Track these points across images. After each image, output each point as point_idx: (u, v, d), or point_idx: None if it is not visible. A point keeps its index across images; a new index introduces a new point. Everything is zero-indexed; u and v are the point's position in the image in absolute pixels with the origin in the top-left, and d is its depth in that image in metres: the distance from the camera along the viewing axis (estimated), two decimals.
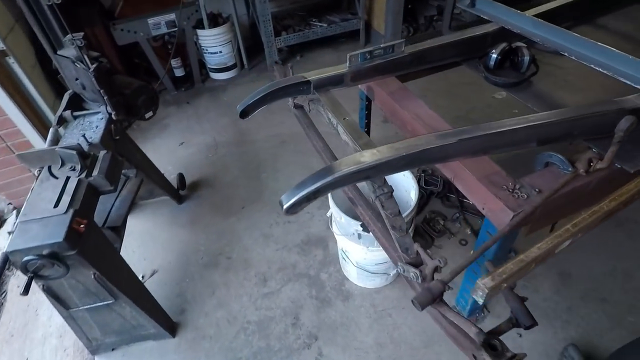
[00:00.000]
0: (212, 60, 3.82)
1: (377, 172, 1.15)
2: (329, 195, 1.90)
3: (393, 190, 1.21)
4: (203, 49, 3.73)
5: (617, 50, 1.44)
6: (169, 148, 3.16)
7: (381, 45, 1.67)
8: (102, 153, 1.69)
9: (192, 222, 2.55)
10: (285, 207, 1.08)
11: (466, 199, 2.49)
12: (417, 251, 1.11)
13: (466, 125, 1.24)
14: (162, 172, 2.47)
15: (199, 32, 3.58)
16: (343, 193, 1.61)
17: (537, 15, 1.77)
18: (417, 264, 1.13)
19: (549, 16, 1.78)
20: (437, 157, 1.28)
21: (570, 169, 1.35)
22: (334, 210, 1.83)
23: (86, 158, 1.66)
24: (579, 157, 1.37)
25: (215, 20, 3.65)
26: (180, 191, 2.70)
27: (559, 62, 1.80)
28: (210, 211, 2.61)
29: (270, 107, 3.53)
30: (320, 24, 3.99)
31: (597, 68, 1.51)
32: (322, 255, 2.28)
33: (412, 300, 0.99)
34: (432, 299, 0.98)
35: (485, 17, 2.03)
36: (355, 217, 1.67)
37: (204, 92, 3.79)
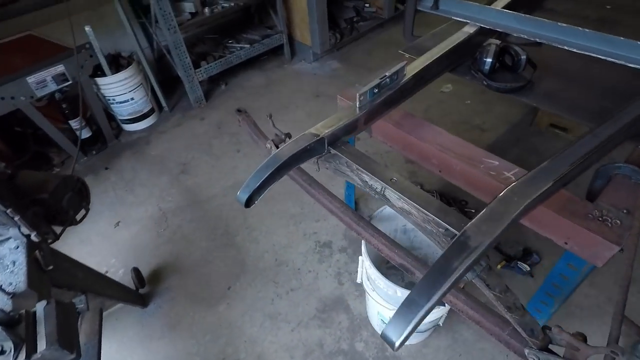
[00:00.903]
0: (122, 111, 3.13)
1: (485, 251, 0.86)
2: (366, 260, 1.57)
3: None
4: (109, 100, 3.03)
5: (621, 38, 1.39)
6: (102, 235, 2.47)
7: (386, 74, 1.37)
8: (40, 307, 1.12)
9: (170, 327, 1.98)
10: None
11: (468, 208, 2.35)
12: (545, 330, 0.86)
13: None
14: (105, 270, 1.86)
15: (99, 80, 2.89)
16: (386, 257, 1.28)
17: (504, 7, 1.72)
18: (566, 354, 0.86)
19: (513, 6, 1.73)
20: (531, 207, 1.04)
21: None
22: (375, 277, 1.49)
23: (15, 325, 1.09)
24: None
25: (116, 63, 2.99)
26: (140, 290, 2.09)
27: (546, 54, 1.69)
28: (188, 305, 2.06)
29: (212, 150, 3.03)
30: (239, 45, 3.54)
31: (603, 57, 1.44)
32: (347, 320, 1.93)
33: None
34: None
35: (454, 18, 1.87)
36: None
37: (123, 151, 3.09)
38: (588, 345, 0.80)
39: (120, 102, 3.06)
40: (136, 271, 2.10)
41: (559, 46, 1.56)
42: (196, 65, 3.21)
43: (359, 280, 1.64)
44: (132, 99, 3.08)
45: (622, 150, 1.35)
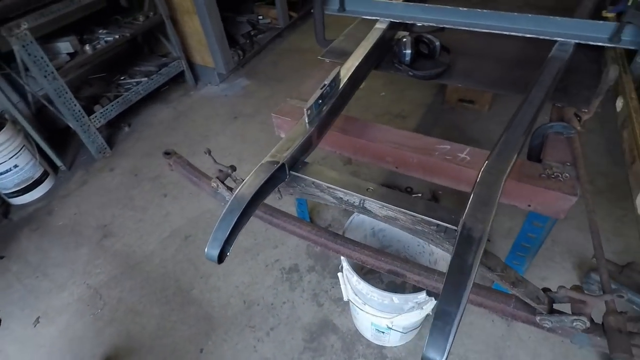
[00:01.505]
0: (7, 183, 2.60)
1: None
2: (350, 277, 1.48)
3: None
4: None
5: (512, 13, 1.58)
6: (20, 340, 2.00)
7: (325, 82, 1.32)
8: None
9: None
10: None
11: (415, 193, 2.41)
12: (548, 293, 0.89)
13: None
14: None
15: None
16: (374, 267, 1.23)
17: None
18: (574, 310, 0.89)
19: None
20: None
21: (573, 131, 1.34)
22: (367, 291, 1.42)
23: None
24: (569, 118, 1.38)
25: None
26: None
27: (450, 38, 1.81)
28: None
29: (134, 202, 2.73)
30: (134, 80, 3.20)
31: (499, 32, 1.61)
32: (338, 341, 1.83)
33: (613, 357, 0.77)
34: (629, 341, 0.78)
35: (364, 17, 1.92)
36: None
37: (19, 230, 2.56)
38: (593, 296, 0.82)
39: (1, 174, 2.54)
40: None
41: (463, 28, 1.68)
42: (89, 112, 2.80)
43: (345, 299, 1.56)
44: (16, 166, 2.58)
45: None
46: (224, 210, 1.03)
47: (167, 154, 1.47)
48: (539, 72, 1.47)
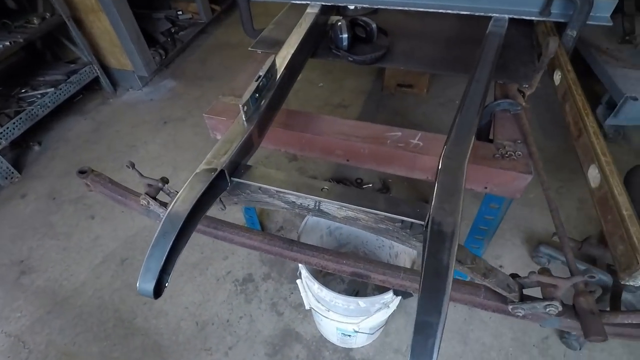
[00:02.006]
0: None
1: None
2: (308, 283, 1.37)
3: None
4: None
5: None
6: None
7: (260, 74, 1.19)
8: None
9: None
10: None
11: (365, 183, 2.36)
12: (517, 279, 0.87)
13: None
14: None
15: None
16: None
17: None
18: (545, 294, 0.87)
19: None
20: None
21: (519, 108, 1.34)
22: (331, 297, 1.32)
23: None
24: (513, 94, 1.38)
25: None
26: None
27: (384, 19, 1.76)
28: None
29: (56, 229, 2.45)
30: (38, 92, 2.79)
31: (433, 10, 1.59)
32: (303, 350, 1.73)
33: (589, 340, 0.76)
34: (601, 321, 0.78)
35: (292, 1, 1.81)
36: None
37: None
38: (563, 279, 0.79)
39: None
40: None
41: (398, 8, 1.63)
42: None
43: (307, 307, 1.45)
44: None
45: None
46: (156, 234, 0.86)
47: (81, 172, 1.24)
48: (479, 50, 1.46)
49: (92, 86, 3.22)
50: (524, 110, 1.35)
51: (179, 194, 0.90)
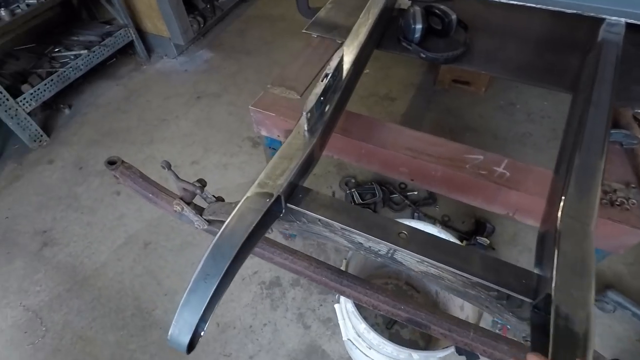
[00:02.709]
0: None
1: None
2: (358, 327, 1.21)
3: None
4: None
5: None
6: None
7: (327, 72, 0.99)
8: None
9: None
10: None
11: (410, 190, 2.16)
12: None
13: None
14: None
15: None
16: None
17: None
18: None
19: None
20: None
21: (636, 142, 1.09)
22: (378, 342, 1.15)
23: None
24: (626, 123, 1.13)
25: None
26: None
27: (461, 8, 1.49)
28: None
29: (81, 202, 2.33)
30: (71, 52, 2.65)
31: (538, 6, 1.30)
32: None
33: None
34: None
35: None
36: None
37: None
38: None
39: None
40: None
41: (526, 4, 1.34)
42: (16, 93, 2.27)
43: (344, 338, 1.29)
44: None
45: None
46: (195, 275, 0.71)
47: (111, 163, 1.09)
48: (588, 61, 1.21)
49: (126, 50, 3.06)
50: None
51: (224, 225, 0.73)
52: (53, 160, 2.41)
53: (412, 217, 2.04)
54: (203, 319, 0.69)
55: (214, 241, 0.71)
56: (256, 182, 0.81)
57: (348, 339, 1.27)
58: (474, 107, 2.62)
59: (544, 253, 0.79)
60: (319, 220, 0.83)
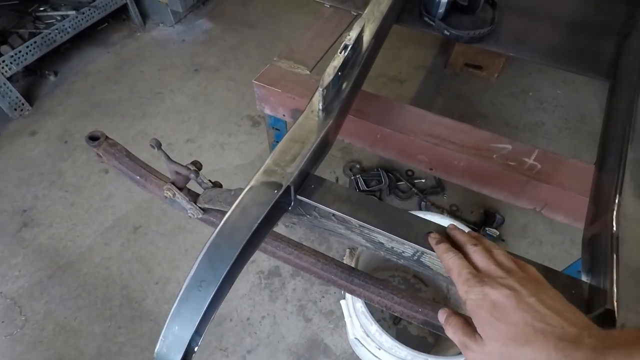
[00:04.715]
0: None
1: None
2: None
3: None
4: None
5: None
6: None
7: (347, 43, 0.85)
8: None
9: None
10: None
11: (417, 178, 2.04)
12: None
13: None
14: None
15: None
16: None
17: None
18: None
19: None
20: None
21: None
22: (391, 345, 1.06)
23: None
24: None
25: None
26: None
27: None
28: None
29: (65, 179, 2.21)
30: (58, 13, 2.44)
31: None
32: None
33: None
34: None
35: None
36: None
37: None
38: None
39: None
40: None
41: None
42: None
43: (351, 337, 1.20)
44: None
45: None
46: (187, 282, 0.59)
47: (93, 138, 0.95)
48: (629, 46, 1.08)
49: (120, 15, 2.84)
50: None
51: (223, 222, 0.61)
52: (36, 132, 2.24)
53: (419, 207, 1.94)
54: (198, 333, 0.57)
55: (210, 240, 0.59)
56: (262, 169, 0.68)
57: (355, 338, 1.18)
58: (485, 93, 2.49)
59: (595, 259, 0.68)
60: (334, 215, 0.71)
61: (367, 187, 1.97)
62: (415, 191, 1.97)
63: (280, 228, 1.74)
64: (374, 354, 1.13)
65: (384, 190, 1.97)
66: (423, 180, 2.03)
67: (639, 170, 0.73)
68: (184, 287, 0.59)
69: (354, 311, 1.15)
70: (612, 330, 0.42)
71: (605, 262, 0.62)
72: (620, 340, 0.35)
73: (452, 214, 1.93)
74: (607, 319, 0.55)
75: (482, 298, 0.43)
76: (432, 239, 0.58)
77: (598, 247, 0.69)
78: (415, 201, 1.97)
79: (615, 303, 0.53)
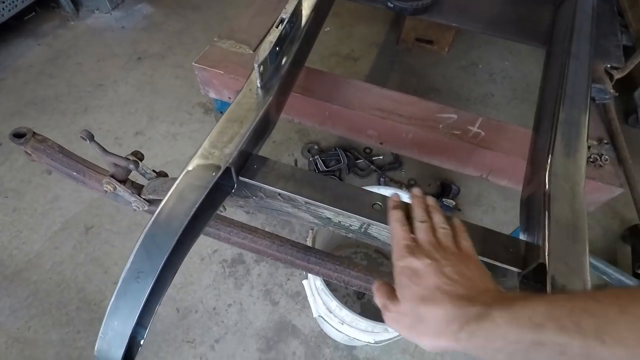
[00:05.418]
0: None
1: None
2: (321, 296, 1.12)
3: None
4: None
5: None
6: None
7: (283, 16, 0.83)
8: None
9: None
10: None
11: (375, 155, 2.06)
12: None
13: None
14: None
15: None
16: None
17: None
18: None
19: None
20: None
21: (608, 96, 1.04)
22: (351, 320, 1.08)
23: None
24: (599, 77, 1.07)
25: None
26: None
27: None
28: None
29: (4, 185, 2.06)
30: None
31: None
32: (301, 346, 1.53)
33: None
34: None
35: None
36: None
37: None
38: None
39: None
40: None
41: None
42: None
43: (315, 315, 1.21)
44: None
45: None
46: (123, 275, 0.56)
47: (17, 136, 0.89)
48: (563, 13, 1.12)
49: (48, 3, 2.63)
50: (614, 98, 1.06)
51: (158, 209, 0.59)
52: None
53: (379, 183, 1.97)
54: (141, 325, 0.55)
55: (145, 230, 0.57)
56: (198, 152, 0.66)
57: (319, 316, 1.19)
58: (437, 67, 2.53)
59: (531, 218, 0.71)
60: (279, 194, 0.70)
61: (327, 167, 1.96)
62: (374, 168, 1.99)
63: (241, 215, 1.71)
64: (337, 329, 1.15)
65: (343, 169, 1.98)
66: (381, 157, 2.06)
67: (570, 129, 0.77)
68: (120, 280, 0.56)
69: (316, 289, 1.15)
70: (509, 292, 0.48)
71: (539, 220, 0.65)
72: (507, 297, 0.41)
73: (411, 187, 1.97)
74: (540, 272, 0.58)
75: (406, 265, 0.48)
76: (392, 201, 0.60)
77: (533, 206, 0.72)
78: (374, 178, 2.00)
79: (547, 257, 0.57)
